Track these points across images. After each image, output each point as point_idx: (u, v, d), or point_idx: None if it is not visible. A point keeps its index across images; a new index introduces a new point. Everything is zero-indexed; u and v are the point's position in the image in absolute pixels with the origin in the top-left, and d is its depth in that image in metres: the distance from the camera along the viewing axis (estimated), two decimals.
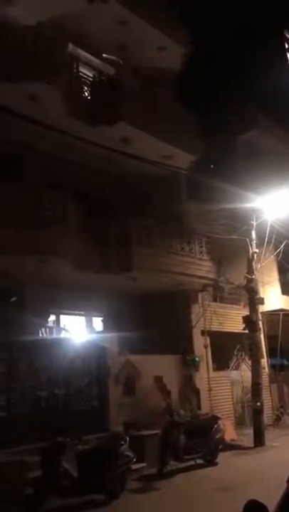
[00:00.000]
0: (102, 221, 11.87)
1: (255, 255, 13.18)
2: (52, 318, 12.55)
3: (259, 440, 11.95)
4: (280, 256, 15.18)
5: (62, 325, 12.80)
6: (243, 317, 13.09)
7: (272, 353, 15.91)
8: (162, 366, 12.18)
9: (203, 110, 14.76)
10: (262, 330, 14.24)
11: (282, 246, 14.55)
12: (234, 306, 15.33)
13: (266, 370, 15.47)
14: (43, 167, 11.71)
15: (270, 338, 15.75)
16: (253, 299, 13.01)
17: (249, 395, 13.37)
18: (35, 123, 8.23)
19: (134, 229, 12.15)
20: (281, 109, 18.31)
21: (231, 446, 11.62)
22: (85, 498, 7.56)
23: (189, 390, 12.89)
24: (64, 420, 9.04)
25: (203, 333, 14.00)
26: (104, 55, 13.55)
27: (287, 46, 21.37)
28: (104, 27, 12.61)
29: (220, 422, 10.76)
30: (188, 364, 13.14)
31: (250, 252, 13.14)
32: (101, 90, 12.33)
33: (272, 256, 14.88)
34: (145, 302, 13.51)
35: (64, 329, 12.67)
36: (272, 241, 13.83)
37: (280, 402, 15.74)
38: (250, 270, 13.04)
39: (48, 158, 11.66)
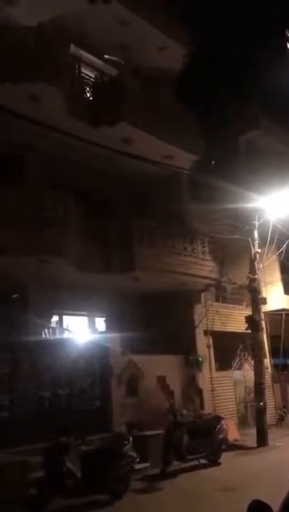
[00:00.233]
0: (103, 221, 11.88)
1: (258, 255, 13.16)
2: (55, 318, 12.57)
3: (262, 440, 11.94)
4: (283, 255, 15.16)
5: (64, 325, 12.81)
6: (246, 317, 13.08)
7: (275, 352, 15.92)
8: (165, 366, 12.18)
9: (204, 110, 14.75)
10: (264, 330, 14.21)
11: (284, 245, 14.53)
12: (237, 306, 15.31)
13: (269, 369, 15.46)
14: (44, 167, 11.71)
15: (273, 338, 15.73)
16: (256, 299, 12.99)
17: (252, 394, 13.36)
18: (36, 123, 8.25)
19: (136, 229, 12.15)
20: (282, 109, 18.28)
21: (234, 446, 11.61)
22: (88, 499, 7.57)
23: (192, 390, 12.88)
24: (67, 420, 9.03)
25: (205, 333, 14.00)
26: (105, 55, 13.55)
27: (288, 46, 21.33)
28: (106, 27, 12.61)
29: (223, 421, 10.75)
30: (191, 364, 13.14)
31: (253, 251, 13.13)
32: (102, 91, 12.33)
33: (274, 256, 14.86)
34: (147, 302, 13.51)
35: (67, 329, 12.68)
36: (275, 241, 13.81)
37: (282, 401, 15.71)
38: (253, 270, 13.02)
39: (49, 159, 11.67)
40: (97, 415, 10.54)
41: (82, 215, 11.25)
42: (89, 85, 12.54)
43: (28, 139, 10.82)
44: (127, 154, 10.30)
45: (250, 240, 13.13)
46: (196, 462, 9.92)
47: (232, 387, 14.23)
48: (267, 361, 15.07)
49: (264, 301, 13.27)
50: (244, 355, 14.76)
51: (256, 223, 13.15)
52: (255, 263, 13.07)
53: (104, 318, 13.80)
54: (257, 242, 13.21)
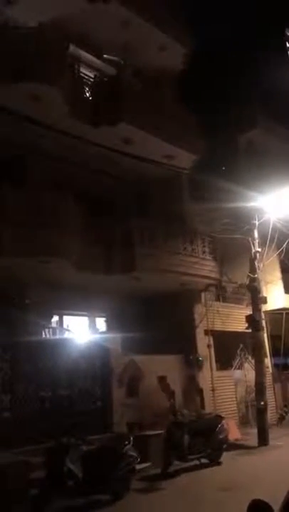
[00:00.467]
0: (104, 221, 11.88)
1: (258, 254, 13.16)
2: (55, 318, 12.57)
3: (263, 439, 11.93)
4: (283, 255, 15.15)
5: (65, 325, 12.82)
6: (246, 316, 13.06)
7: (275, 352, 15.92)
8: (166, 366, 12.18)
9: (205, 110, 14.74)
10: (265, 329, 14.21)
11: (284, 245, 14.52)
12: (237, 305, 15.32)
13: (270, 369, 15.45)
14: (45, 167, 11.72)
15: (274, 338, 15.74)
16: (256, 298, 12.98)
17: (253, 394, 13.34)
18: (36, 123, 8.24)
19: (137, 229, 12.16)
20: (283, 109, 18.28)
21: (235, 446, 11.60)
22: (89, 499, 7.57)
23: (193, 390, 12.88)
24: (68, 420, 9.02)
25: (206, 332, 14.00)
26: (105, 55, 13.55)
27: (288, 45, 21.32)
28: (106, 27, 12.61)
29: (224, 421, 10.74)
30: (192, 364, 13.14)
31: (253, 251, 13.12)
32: (102, 91, 12.34)
33: (275, 255, 14.85)
34: (148, 302, 13.52)
35: (67, 330, 12.68)
36: (275, 240, 13.80)
37: (283, 401, 15.71)
38: (253, 269, 13.01)
39: (49, 159, 11.67)
40: (98, 415, 10.54)
41: (83, 216, 11.25)
42: (89, 85, 12.55)
43: (28, 139, 10.82)
44: (128, 154, 10.30)
45: (250, 239, 13.12)
46: (196, 462, 9.91)
47: (233, 387, 14.23)
48: (267, 360, 15.07)
49: (264, 301, 13.27)
50: (245, 355, 14.75)
51: (256, 222, 13.15)
52: (256, 262, 13.05)
53: (104, 318, 13.80)
54: (257, 241, 13.20)
